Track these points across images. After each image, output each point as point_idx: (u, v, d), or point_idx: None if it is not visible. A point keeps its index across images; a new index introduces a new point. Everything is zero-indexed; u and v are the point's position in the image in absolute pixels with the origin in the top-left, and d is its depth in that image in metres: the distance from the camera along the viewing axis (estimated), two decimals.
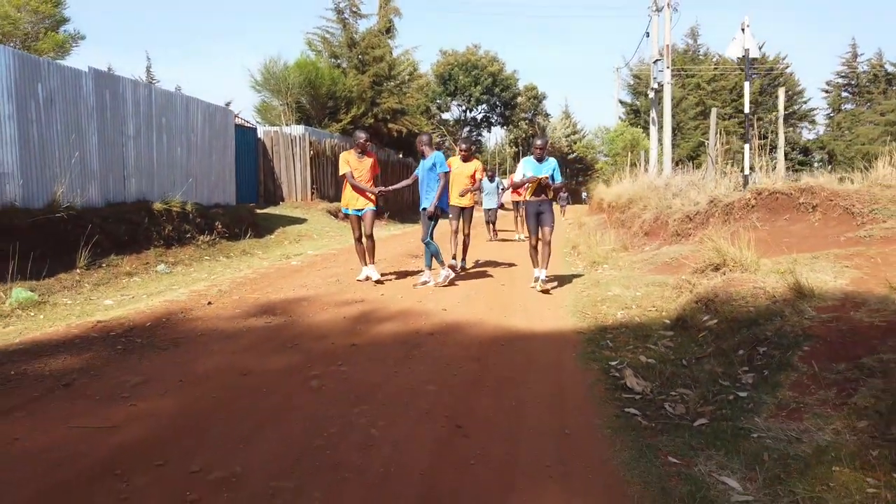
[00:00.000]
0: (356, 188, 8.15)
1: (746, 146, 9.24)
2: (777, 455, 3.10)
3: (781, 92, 12.10)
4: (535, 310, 6.61)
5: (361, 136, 8.23)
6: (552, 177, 7.73)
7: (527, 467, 2.86)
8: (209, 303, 6.43)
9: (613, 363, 4.58)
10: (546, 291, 7.52)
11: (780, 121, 11.06)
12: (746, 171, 9.22)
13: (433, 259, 8.07)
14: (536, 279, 7.74)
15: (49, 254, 7.99)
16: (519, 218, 15.17)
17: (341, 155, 8.41)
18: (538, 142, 7.96)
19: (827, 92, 50.23)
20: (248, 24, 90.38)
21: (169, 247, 10.53)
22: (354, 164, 8.19)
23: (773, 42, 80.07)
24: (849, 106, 49.22)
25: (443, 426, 3.25)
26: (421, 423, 3.29)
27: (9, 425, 3.21)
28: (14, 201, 8.18)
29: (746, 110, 9.18)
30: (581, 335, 5.45)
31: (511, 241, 14.89)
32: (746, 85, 9.08)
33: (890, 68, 47.19)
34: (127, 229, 9.85)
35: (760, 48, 48.80)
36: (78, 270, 8.15)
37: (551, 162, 7.88)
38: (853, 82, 49.63)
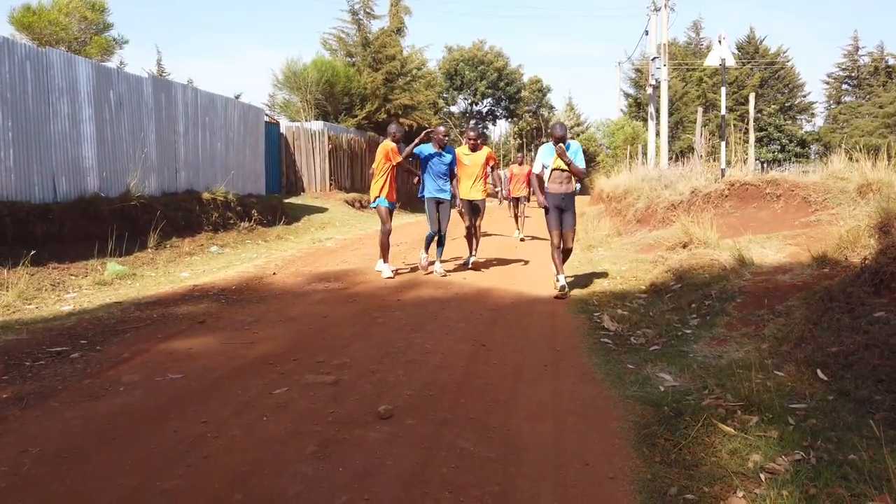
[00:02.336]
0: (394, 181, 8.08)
1: (723, 143, 10.63)
2: (702, 364, 4.54)
3: (752, 96, 13.43)
4: (536, 281, 8.05)
5: (393, 128, 8.16)
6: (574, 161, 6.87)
7: (530, 366, 4.33)
8: (274, 273, 7.95)
9: (596, 314, 6.02)
10: (562, 297, 6.77)
11: (751, 123, 12.39)
12: (723, 165, 10.60)
13: (430, 246, 8.18)
14: (562, 288, 6.84)
15: (126, 236, 9.47)
16: (519, 217, 13.70)
17: (386, 144, 7.95)
18: (558, 131, 6.92)
19: (827, 84, 51.33)
20: (257, 15, 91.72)
21: (216, 231, 11.99)
22: (395, 156, 7.91)
23: (775, 35, 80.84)
24: (849, 98, 50.27)
25: (472, 345, 4.74)
26: (458, 343, 4.80)
27: (179, 343, 4.73)
28: (97, 191, 9.66)
29: (723, 112, 10.54)
30: (573, 297, 6.90)
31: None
32: (723, 91, 10.43)
33: (891, 61, 48.07)
34: (182, 216, 11.32)
35: (761, 42, 49.98)
36: (149, 250, 9.62)
37: (572, 145, 7.00)
38: (854, 75, 50.67)
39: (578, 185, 7.23)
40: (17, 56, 8.44)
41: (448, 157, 8.14)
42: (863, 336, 4.22)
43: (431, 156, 8.03)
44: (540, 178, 7.20)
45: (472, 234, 8.99)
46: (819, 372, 4.09)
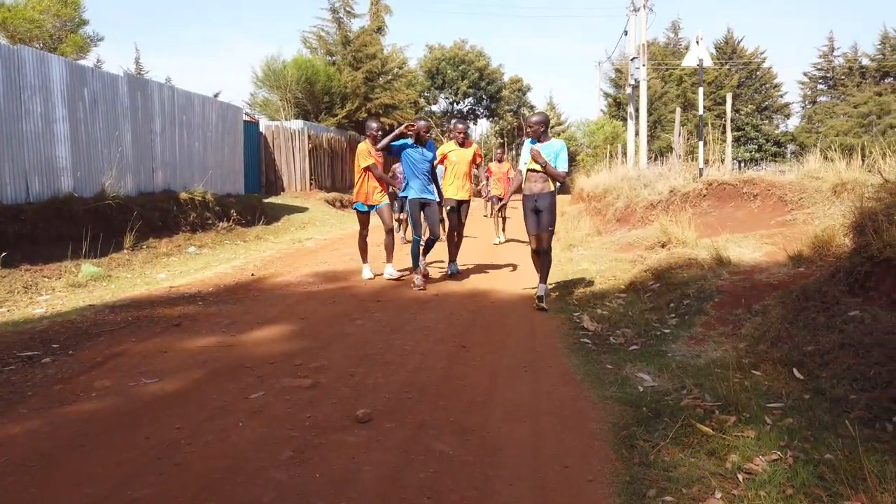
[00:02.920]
0: (381, 180, 7.69)
1: (701, 143, 10.71)
2: (681, 364, 4.55)
3: (729, 97, 13.60)
4: (517, 282, 8.04)
5: (373, 125, 7.76)
6: (553, 163, 6.27)
7: (508, 367, 4.31)
8: (252, 274, 7.85)
9: (576, 314, 6.03)
10: (541, 308, 6.22)
11: (728, 123, 12.51)
12: (701, 165, 10.68)
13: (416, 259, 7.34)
14: (538, 299, 6.29)
15: (101, 236, 9.31)
16: (497, 218, 12.28)
17: (360, 147, 7.68)
18: (533, 118, 6.41)
19: (803, 84, 52.03)
20: (237, 14, 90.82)
21: (194, 232, 11.83)
22: (367, 158, 7.58)
23: (752, 35, 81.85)
24: (824, 98, 51.01)
25: (452, 346, 4.71)
26: (437, 344, 4.77)
27: (154, 346, 4.64)
28: (71, 191, 9.48)
29: (700, 112, 10.63)
30: (552, 297, 6.90)
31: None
32: (700, 91, 10.51)
33: (864, 61, 48.94)
34: (159, 216, 11.16)
35: (739, 42, 50.58)
36: (125, 251, 9.47)
37: (554, 144, 6.37)
38: (829, 75, 51.41)
39: (559, 184, 6.64)
40: None
41: (430, 154, 7.43)
42: (838, 335, 4.26)
43: (411, 152, 7.27)
44: (515, 184, 6.81)
45: (454, 238, 8.25)
46: (795, 371, 4.12)
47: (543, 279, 6.40)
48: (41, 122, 9.12)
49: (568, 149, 6.74)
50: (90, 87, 10.22)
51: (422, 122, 7.43)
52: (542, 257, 6.41)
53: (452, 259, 8.32)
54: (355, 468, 2.78)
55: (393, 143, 7.30)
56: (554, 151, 6.30)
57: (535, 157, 6.24)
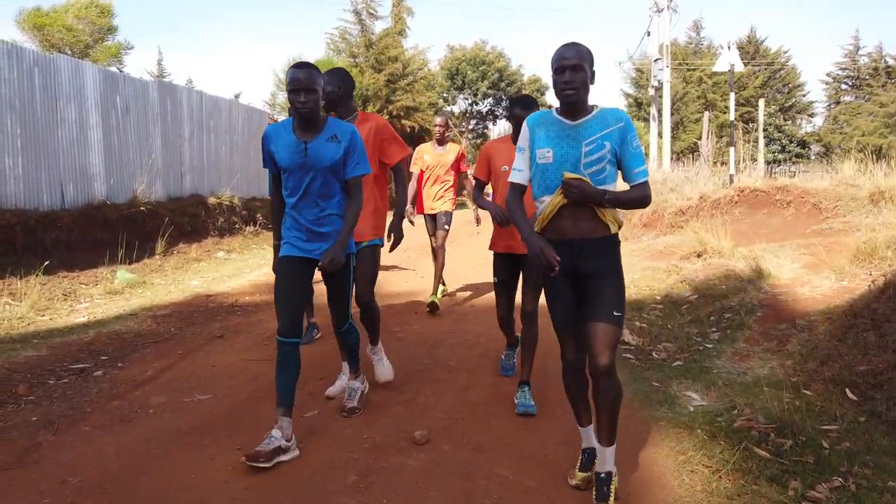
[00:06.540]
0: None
1: (732, 149, 10.62)
2: (728, 381, 4.52)
3: (761, 102, 13.45)
4: None
5: (438, 119, 6.75)
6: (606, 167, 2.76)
7: (556, 386, 4.29)
8: None
9: None
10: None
11: (761, 129, 12.39)
12: (732, 171, 10.59)
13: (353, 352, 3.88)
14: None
15: (134, 242, 9.42)
16: None
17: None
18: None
19: (827, 84, 51.33)
20: (256, 14, 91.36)
21: (222, 236, 11.94)
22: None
23: (775, 34, 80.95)
24: (848, 98, 50.28)
25: (497, 361, 4.70)
26: (482, 359, 4.79)
27: (201, 360, 4.70)
28: (104, 198, 9.60)
29: (732, 118, 10.54)
30: None
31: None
32: (731, 96, 10.44)
33: (890, 61, 48.16)
34: (189, 221, 11.28)
35: (762, 43, 50.01)
36: (157, 256, 9.58)
37: (605, 118, 2.79)
38: (853, 75, 50.67)
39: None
40: (26, 63, 8.39)
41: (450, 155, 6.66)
42: (891, 355, 4.21)
43: None
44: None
45: (438, 258, 6.68)
46: (848, 392, 4.08)
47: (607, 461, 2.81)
48: (76, 130, 9.25)
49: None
50: (122, 93, 10.35)
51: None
52: (599, 393, 2.74)
53: (436, 286, 6.72)
54: (421, 494, 2.79)
55: None
56: (606, 137, 2.71)
57: (568, 183, 2.67)
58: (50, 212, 8.60)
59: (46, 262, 7.28)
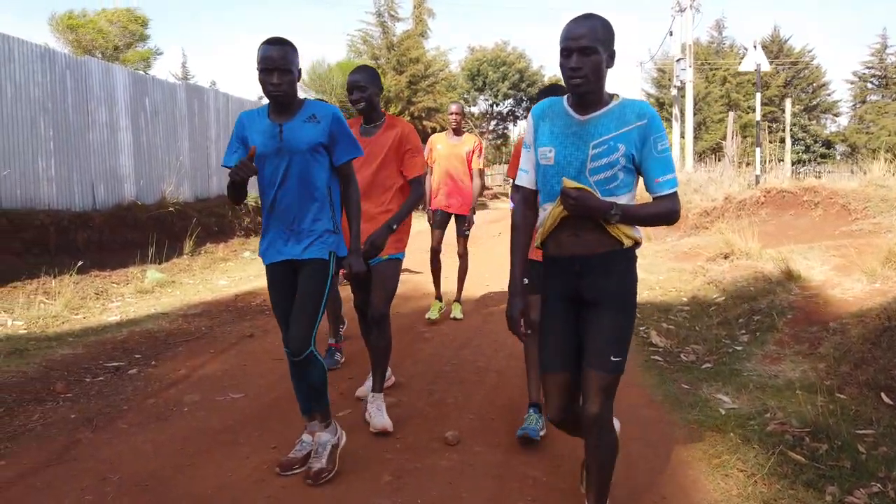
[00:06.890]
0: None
1: (758, 150, 10.51)
2: (759, 384, 4.47)
3: (788, 103, 13.29)
4: None
5: (452, 107, 6.42)
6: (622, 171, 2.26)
7: None
8: None
9: (642, 328, 5.97)
10: None
11: (787, 129, 12.24)
12: (757, 172, 10.48)
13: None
14: None
15: (163, 242, 9.56)
16: None
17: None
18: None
19: (852, 83, 50.49)
20: (277, 15, 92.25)
21: (248, 236, 12.06)
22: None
23: (799, 32, 79.82)
24: (874, 97, 49.42)
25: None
26: (510, 360, 4.79)
27: (233, 359, 4.77)
28: (134, 198, 9.76)
29: (758, 118, 10.44)
30: None
31: None
32: (758, 96, 10.33)
33: None
34: (215, 221, 11.42)
35: (786, 42, 49.35)
36: (185, 256, 9.71)
37: (624, 110, 2.26)
38: (880, 73, 49.78)
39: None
40: (58, 66, 8.55)
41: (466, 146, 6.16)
42: None
43: None
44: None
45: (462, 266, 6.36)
46: (884, 396, 4.02)
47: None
48: (107, 132, 9.41)
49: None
50: (151, 96, 10.51)
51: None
52: (588, 448, 2.40)
53: (457, 296, 6.38)
54: (454, 494, 2.81)
55: None
56: (621, 138, 2.23)
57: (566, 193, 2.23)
58: (82, 212, 8.76)
59: (80, 263, 7.40)
